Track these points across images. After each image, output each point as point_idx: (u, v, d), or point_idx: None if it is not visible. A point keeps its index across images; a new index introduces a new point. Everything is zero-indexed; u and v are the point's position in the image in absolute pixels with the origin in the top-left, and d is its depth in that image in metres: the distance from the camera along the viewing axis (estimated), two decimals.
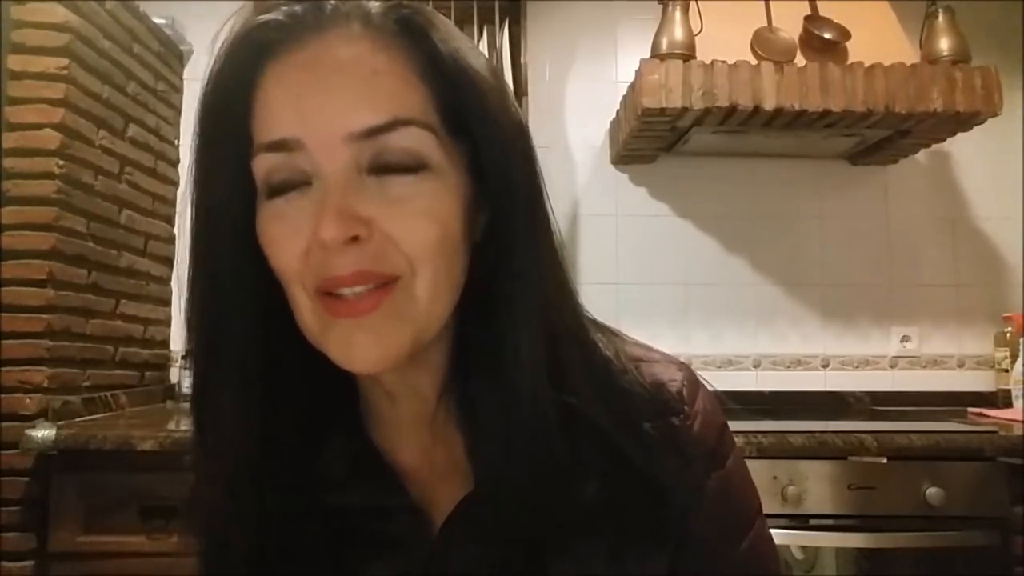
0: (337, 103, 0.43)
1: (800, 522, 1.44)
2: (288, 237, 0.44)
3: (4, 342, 1.48)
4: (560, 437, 0.47)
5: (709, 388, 0.55)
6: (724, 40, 1.82)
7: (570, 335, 0.50)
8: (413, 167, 0.44)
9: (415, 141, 0.44)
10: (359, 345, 0.44)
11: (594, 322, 0.55)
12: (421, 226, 0.44)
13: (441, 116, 0.46)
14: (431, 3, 0.62)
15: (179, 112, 2.13)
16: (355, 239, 0.43)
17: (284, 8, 0.45)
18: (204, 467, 0.51)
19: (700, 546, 0.51)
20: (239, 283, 0.47)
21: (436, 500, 0.51)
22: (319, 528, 0.50)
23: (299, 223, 0.44)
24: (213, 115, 0.46)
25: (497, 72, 0.51)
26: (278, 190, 0.45)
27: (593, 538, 0.48)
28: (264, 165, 0.45)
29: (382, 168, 0.44)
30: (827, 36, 1.82)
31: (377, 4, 0.46)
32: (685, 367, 0.55)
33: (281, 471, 0.50)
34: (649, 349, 0.56)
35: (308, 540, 0.50)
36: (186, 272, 0.48)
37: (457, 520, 0.50)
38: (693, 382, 0.54)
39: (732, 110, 1.75)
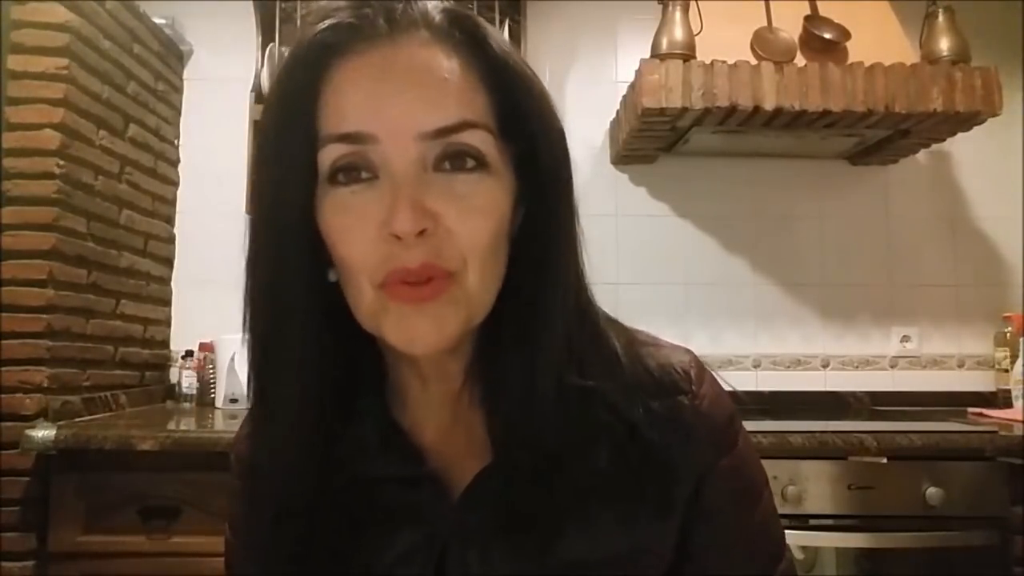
0: (411, 103, 0.47)
1: (800, 522, 1.44)
2: (356, 228, 0.47)
3: (4, 342, 1.48)
4: (575, 412, 0.52)
5: (717, 378, 0.59)
6: (724, 40, 1.82)
7: (587, 319, 0.55)
8: (475, 166, 0.48)
9: (478, 141, 0.48)
10: (418, 329, 0.48)
11: (603, 313, 0.58)
12: (479, 222, 0.48)
13: (497, 119, 0.50)
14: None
15: (179, 112, 2.13)
16: (422, 232, 0.46)
17: (352, 12, 0.49)
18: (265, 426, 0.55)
19: (718, 518, 0.54)
20: (297, 268, 0.50)
21: (456, 475, 0.54)
22: (347, 500, 0.54)
23: (366, 214, 0.47)
24: (279, 109, 0.50)
25: (539, 77, 0.54)
26: (343, 178, 0.48)
27: (603, 508, 0.52)
28: (333, 154, 0.48)
29: (447, 165, 0.48)
30: (827, 36, 1.82)
31: (439, 12, 0.50)
32: (691, 353, 0.59)
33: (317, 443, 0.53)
34: (656, 338, 0.60)
35: (336, 510, 0.53)
36: (247, 254, 0.51)
37: (476, 490, 0.53)
38: (700, 366, 0.58)
39: (732, 110, 1.75)
